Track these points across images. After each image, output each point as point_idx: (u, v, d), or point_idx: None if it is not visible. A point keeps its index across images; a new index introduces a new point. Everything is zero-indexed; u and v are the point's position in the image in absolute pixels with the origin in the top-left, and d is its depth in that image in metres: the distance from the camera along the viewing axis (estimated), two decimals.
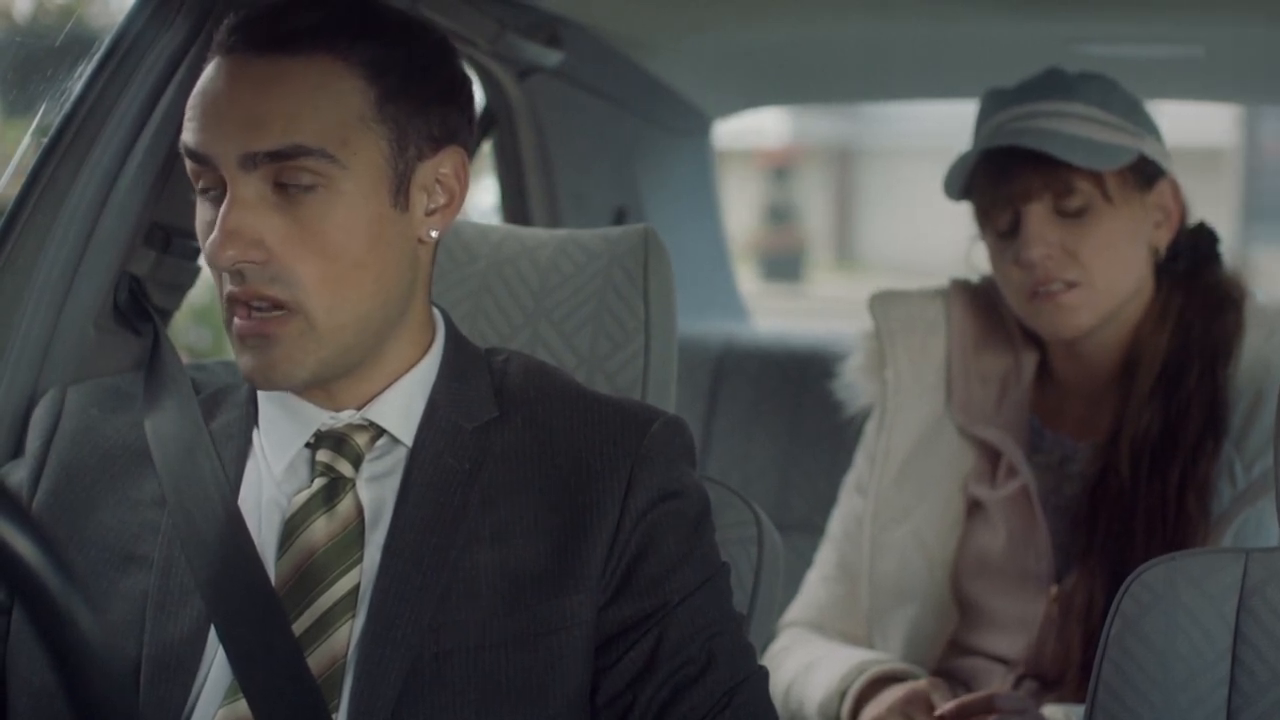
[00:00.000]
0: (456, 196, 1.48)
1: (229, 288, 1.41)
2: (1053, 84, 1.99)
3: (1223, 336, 1.97)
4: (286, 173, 1.39)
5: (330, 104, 1.39)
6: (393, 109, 1.42)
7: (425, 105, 1.44)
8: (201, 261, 1.43)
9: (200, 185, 1.43)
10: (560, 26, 2.46)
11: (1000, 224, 1.96)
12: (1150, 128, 2.01)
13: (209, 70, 1.43)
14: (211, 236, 1.39)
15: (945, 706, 1.82)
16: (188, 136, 1.41)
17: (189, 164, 1.42)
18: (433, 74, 1.46)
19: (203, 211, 1.43)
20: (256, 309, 1.41)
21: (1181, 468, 1.92)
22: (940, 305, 2.09)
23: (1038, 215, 1.92)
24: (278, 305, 1.40)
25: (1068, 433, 2.02)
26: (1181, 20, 2.45)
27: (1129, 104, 2.00)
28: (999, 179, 1.94)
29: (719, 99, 3.19)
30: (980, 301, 2.09)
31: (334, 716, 1.39)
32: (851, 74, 3.11)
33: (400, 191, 1.43)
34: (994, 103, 2.01)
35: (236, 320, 1.41)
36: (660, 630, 1.45)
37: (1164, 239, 2.00)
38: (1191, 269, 2.01)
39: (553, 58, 2.50)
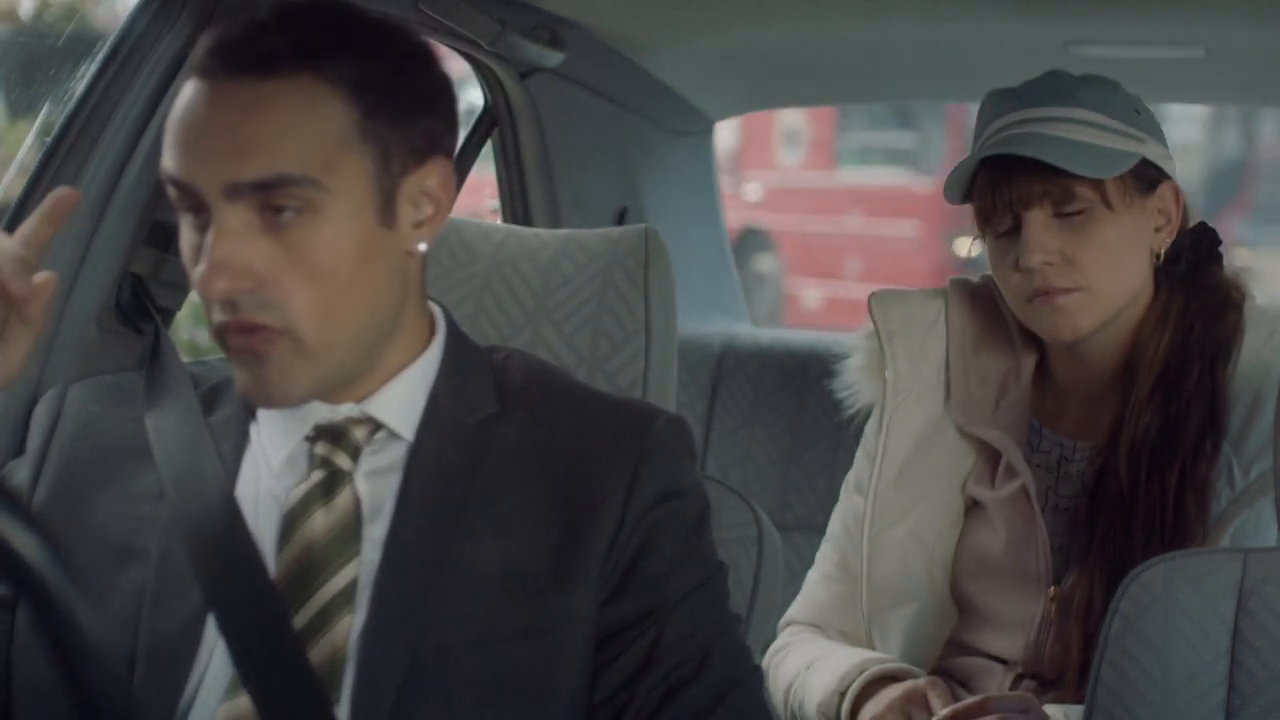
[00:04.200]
0: (443, 207, 1.47)
1: (219, 317, 1.39)
2: (1054, 87, 1.98)
3: (1223, 338, 1.97)
4: (271, 200, 1.37)
5: (313, 128, 1.37)
6: (375, 126, 1.40)
7: (408, 118, 1.42)
8: (192, 284, 1.42)
9: (183, 209, 1.41)
10: (561, 27, 2.47)
11: (1000, 228, 1.96)
12: (1153, 130, 2.00)
13: (187, 94, 1.40)
14: (199, 268, 1.38)
15: (940, 715, 1.82)
16: (169, 163, 1.39)
17: (170, 189, 1.40)
18: (414, 84, 1.44)
19: (188, 235, 1.41)
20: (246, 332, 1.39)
21: (1180, 469, 1.92)
22: (940, 305, 2.09)
23: (1038, 222, 1.93)
24: (265, 329, 1.39)
25: (1066, 433, 2.03)
26: (1181, 21, 2.45)
27: (1131, 107, 1.99)
28: (999, 184, 1.94)
29: (720, 100, 3.20)
30: (980, 301, 2.09)
31: (335, 710, 1.40)
32: (852, 75, 3.12)
33: (386, 209, 1.42)
34: (995, 106, 2.01)
35: (230, 339, 1.40)
36: (658, 629, 1.45)
37: (1164, 242, 2.00)
38: (1192, 270, 2.02)
39: (554, 58, 2.50)
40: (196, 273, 1.38)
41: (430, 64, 1.47)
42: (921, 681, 1.89)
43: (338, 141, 1.38)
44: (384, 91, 1.41)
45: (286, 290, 1.38)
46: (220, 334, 1.41)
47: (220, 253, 1.36)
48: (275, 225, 1.37)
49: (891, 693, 1.89)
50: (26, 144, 1.81)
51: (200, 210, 1.39)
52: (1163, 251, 2.00)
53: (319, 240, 1.38)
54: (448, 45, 2.34)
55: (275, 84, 1.38)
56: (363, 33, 1.43)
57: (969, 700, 1.84)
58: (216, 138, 1.37)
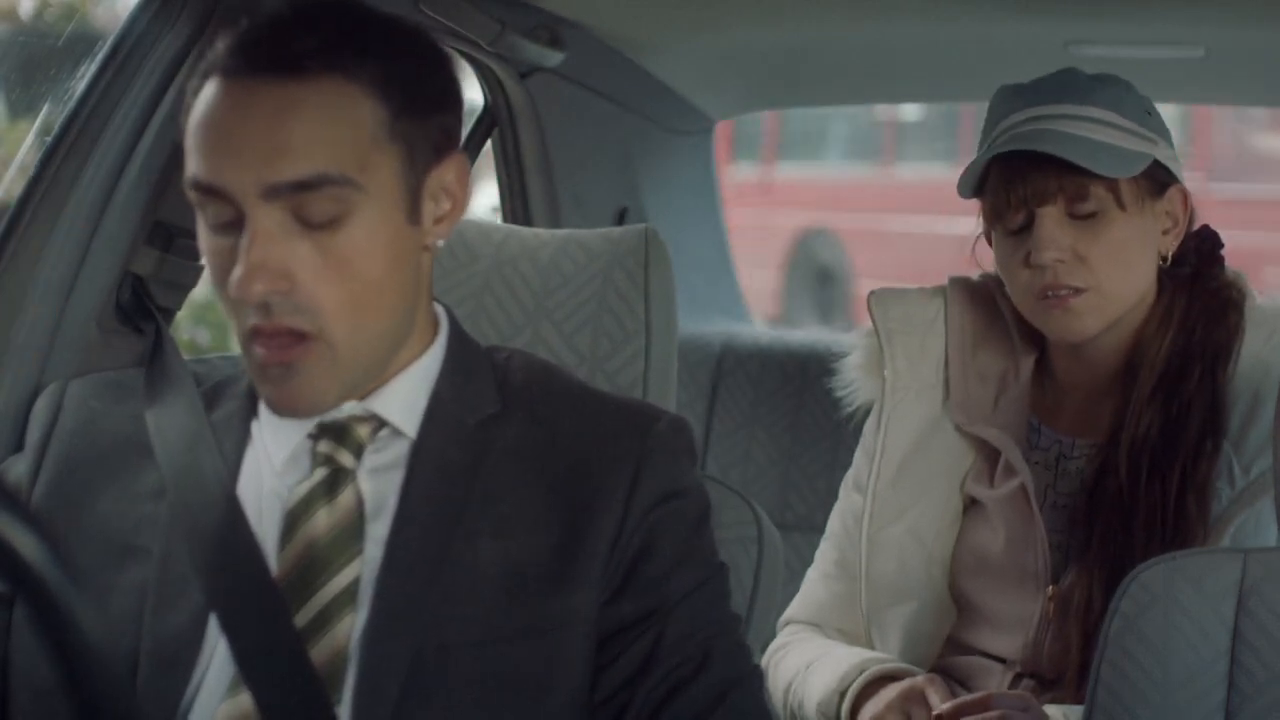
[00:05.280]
0: (459, 201, 1.47)
1: (253, 321, 1.38)
2: (1068, 85, 1.98)
3: (1223, 340, 1.97)
4: (307, 202, 1.36)
5: (347, 128, 1.38)
6: (402, 125, 1.41)
7: (429, 116, 1.43)
8: (204, 261, 1.42)
9: (209, 215, 1.39)
10: (561, 27, 2.47)
11: (1012, 224, 1.96)
12: (1162, 132, 2.00)
13: (210, 96, 1.39)
14: (236, 271, 1.36)
15: (943, 707, 1.82)
16: (198, 169, 1.38)
17: (196, 195, 1.39)
18: (433, 83, 1.45)
19: (212, 240, 1.40)
20: (280, 342, 1.38)
21: (1181, 469, 1.92)
22: (939, 304, 2.10)
23: (1051, 218, 1.93)
24: (301, 335, 1.38)
25: (1065, 430, 2.03)
26: (1180, 22, 2.45)
27: (1142, 108, 1.99)
28: (1013, 181, 1.94)
29: (720, 100, 3.20)
30: (979, 300, 2.10)
31: (337, 710, 1.40)
32: (852, 75, 3.12)
33: (413, 206, 1.42)
34: (1007, 102, 2.01)
35: (258, 350, 1.39)
36: (659, 629, 1.45)
37: (1171, 245, 2.00)
38: (1195, 273, 2.02)
39: (554, 58, 2.50)
40: (233, 276, 1.36)
41: (444, 63, 1.48)
42: (920, 679, 1.89)
43: (370, 141, 1.39)
44: (409, 91, 1.42)
45: (320, 293, 1.37)
46: (249, 340, 1.39)
47: (258, 255, 1.36)
48: (310, 227, 1.37)
49: (890, 692, 1.89)
50: (26, 144, 1.81)
51: (229, 216, 1.38)
52: (1169, 254, 2.00)
53: (353, 241, 1.38)
54: (448, 45, 2.34)
55: (307, 85, 1.38)
56: (384, 33, 1.44)
57: (971, 695, 1.84)
58: (251, 140, 1.36)
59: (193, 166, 1.39)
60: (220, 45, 1.41)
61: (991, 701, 1.81)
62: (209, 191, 1.38)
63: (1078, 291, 1.93)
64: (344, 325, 1.39)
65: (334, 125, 1.37)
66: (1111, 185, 1.93)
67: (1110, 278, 1.93)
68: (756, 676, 1.50)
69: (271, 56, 1.38)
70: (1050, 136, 1.93)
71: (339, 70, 1.39)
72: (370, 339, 1.42)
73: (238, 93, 1.38)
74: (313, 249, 1.37)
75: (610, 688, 1.45)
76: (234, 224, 1.38)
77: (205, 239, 1.41)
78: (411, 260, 1.44)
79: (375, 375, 1.46)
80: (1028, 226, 1.94)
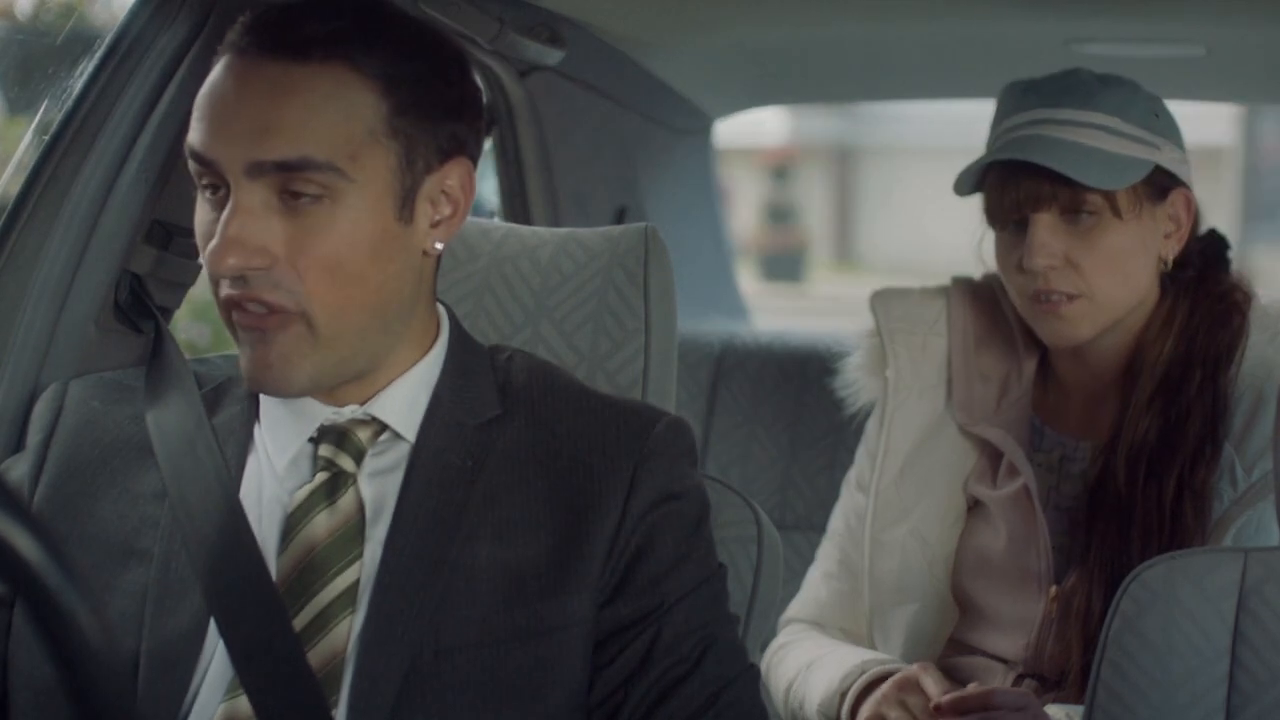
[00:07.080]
0: (461, 208, 1.47)
1: (226, 290, 1.39)
2: (1072, 88, 1.98)
3: (1225, 344, 1.97)
4: (292, 182, 1.37)
5: (341, 116, 1.38)
6: (403, 123, 1.41)
7: (435, 119, 1.43)
8: (203, 259, 1.42)
9: (203, 185, 1.41)
10: (561, 25, 2.47)
11: (1008, 226, 1.96)
12: (1170, 133, 1.99)
13: (219, 69, 1.41)
14: (212, 243, 1.38)
15: (944, 698, 1.82)
16: (194, 138, 1.40)
17: (192, 164, 1.41)
18: (445, 88, 1.45)
19: (203, 212, 1.41)
20: (255, 310, 1.40)
21: (1178, 474, 1.92)
22: (942, 304, 2.09)
23: (1044, 224, 1.93)
24: (278, 309, 1.39)
25: (1069, 432, 2.03)
26: (1181, 20, 2.45)
27: (1150, 110, 1.98)
28: (1008, 185, 1.94)
29: (720, 98, 3.20)
30: (982, 300, 2.09)
31: (334, 712, 1.40)
32: (852, 74, 3.12)
33: (405, 205, 1.42)
34: (1012, 101, 2.00)
35: (237, 315, 1.40)
36: (656, 630, 1.45)
37: (1173, 249, 2.00)
38: (1199, 276, 2.01)
39: (554, 56, 2.50)
40: (209, 248, 1.38)
41: (463, 72, 1.47)
42: (914, 667, 1.89)
43: (364, 133, 1.39)
44: (415, 91, 1.42)
45: (299, 273, 1.38)
46: (226, 308, 1.40)
47: (234, 229, 1.37)
48: (293, 209, 1.38)
49: (885, 684, 1.88)
50: (25, 142, 1.81)
51: (220, 187, 1.39)
52: (1170, 258, 2.00)
53: (335, 229, 1.38)
54: None
55: (309, 68, 1.38)
56: (401, 31, 1.44)
57: (972, 688, 1.83)
58: (244, 115, 1.38)
59: (191, 135, 1.40)
60: (238, 23, 1.43)
61: (994, 699, 1.80)
62: (201, 161, 1.39)
63: (1070, 298, 1.93)
64: (324, 309, 1.39)
65: (328, 111, 1.38)
66: (1108, 193, 1.92)
67: (1104, 285, 1.93)
68: (751, 676, 1.50)
69: (280, 37, 1.39)
70: (1045, 144, 1.92)
71: (344, 59, 1.39)
72: (353, 330, 1.41)
73: (242, 69, 1.39)
74: (293, 230, 1.38)
75: (606, 689, 1.45)
76: (224, 198, 1.39)
77: (197, 212, 1.42)
78: (401, 259, 1.43)
79: (360, 370, 1.46)
80: (1023, 230, 1.94)
